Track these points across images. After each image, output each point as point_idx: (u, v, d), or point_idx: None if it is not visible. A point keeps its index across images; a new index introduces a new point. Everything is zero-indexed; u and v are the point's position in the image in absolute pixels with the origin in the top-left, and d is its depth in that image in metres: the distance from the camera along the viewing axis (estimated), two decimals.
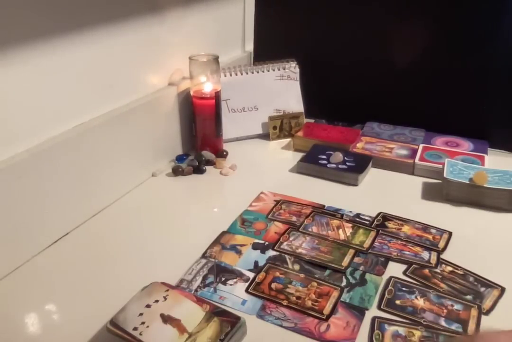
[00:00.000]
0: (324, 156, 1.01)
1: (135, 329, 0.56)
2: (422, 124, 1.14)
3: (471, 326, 0.61)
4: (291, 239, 0.79)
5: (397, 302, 0.65)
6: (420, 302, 0.65)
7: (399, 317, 0.63)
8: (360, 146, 1.07)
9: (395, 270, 0.72)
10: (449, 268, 0.71)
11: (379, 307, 0.64)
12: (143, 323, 0.56)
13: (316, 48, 1.21)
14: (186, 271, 0.71)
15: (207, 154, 1.04)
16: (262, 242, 0.78)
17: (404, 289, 0.67)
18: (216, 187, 0.99)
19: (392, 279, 0.69)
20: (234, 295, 0.67)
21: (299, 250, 0.76)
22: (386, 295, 0.66)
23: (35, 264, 0.74)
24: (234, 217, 0.85)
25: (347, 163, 0.99)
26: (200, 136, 1.07)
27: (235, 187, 0.98)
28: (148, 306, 0.58)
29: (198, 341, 0.55)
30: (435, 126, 1.12)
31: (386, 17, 1.11)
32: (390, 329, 0.60)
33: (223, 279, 0.70)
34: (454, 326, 0.61)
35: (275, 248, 0.77)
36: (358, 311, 0.64)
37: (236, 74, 1.14)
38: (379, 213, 0.85)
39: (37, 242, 0.76)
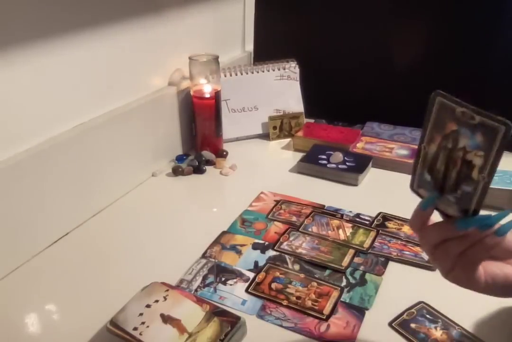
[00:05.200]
0: (324, 156, 1.01)
1: (135, 329, 0.56)
2: (422, 124, 1.14)
3: None
4: (291, 239, 0.79)
5: (412, 325, 0.62)
6: (437, 333, 0.60)
7: (405, 339, 0.60)
8: (360, 146, 1.07)
9: (395, 270, 0.72)
10: None
11: (390, 324, 0.62)
12: (143, 323, 0.56)
13: (316, 48, 1.21)
14: (186, 271, 0.71)
15: (207, 154, 1.04)
16: (262, 242, 0.78)
17: (428, 316, 0.63)
18: (216, 187, 0.99)
19: (421, 303, 0.65)
20: (234, 295, 0.67)
21: (299, 250, 0.76)
22: (404, 316, 0.63)
23: (35, 264, 0.74)
24: (234, 217, 0.85)
25: (347, 163, 0.99)
26: (200, 136, 1.07)
27: (235, 187, 0.98)
28: (148, 306, 0.58)
29: (198, 341, 0.55)
30: None
31: (386, 18, 1.11)
32: None
33: (223, 279, 0.70)
34: None
35: (275, 248, 0.77)
36: (358, 311, 0.64)
37: (236, 74, 1.13)
38: (379, 213, 0.85)
39: (37, 242, 0.76)
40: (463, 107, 0.41)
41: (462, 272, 0.46)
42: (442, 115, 0.44)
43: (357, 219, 0.84)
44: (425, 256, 0.74)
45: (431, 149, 0.46)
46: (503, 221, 0.44)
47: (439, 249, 0.46)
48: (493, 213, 0.44)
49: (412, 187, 0.50)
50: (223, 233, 0.81)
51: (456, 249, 0.45)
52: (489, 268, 0.46)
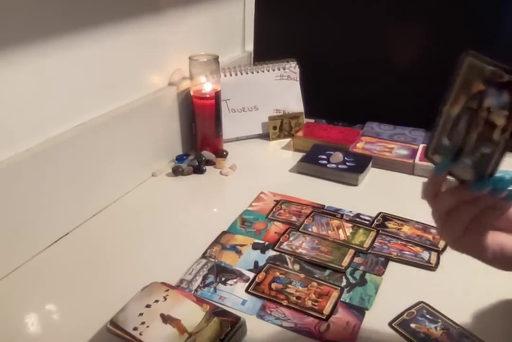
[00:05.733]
0: (324, 156, 1.01)
1: (135, 329, 0.56)
2: (422, 124, 1.14)
3: None
4: (291, 239, 0.79)
5: (412, 325, 0.61)
6: (437, 333, 0.60)
7: (405, 339, 0.60)
8: (360, 146, 1.07)
9: (395, 270, 0.72)
10: None
11: (390, 324, 0.62)
12: (143, 323, 0.56)
13: (316, 48, 1.21)
14: (186, 271, 0.71)
15: (207, 154, 1.04)
16: (262, 242, 0.78)
17: (428, 316, 0.63)
18: (216, 187, 0.99)
19: (421, 303, 0.65)
20: (234, 295, 0.67)
21: (299, 250, 0.76)
22: (404, 316, 0.63)
23: (35, 264, 0.74)
24: (234, 217, 0.85)
25: (347, 163, 0.99)
26: (200, 136, 1.07)
27: (235, 187, 0.98)
28: (148, 306, 0.58)
29: (198, 341, 0.55)
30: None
31: (386, 17, 1.11)
32: None
33: (223, 279, 0.70)
34: None
35: (275, 248, 0.77)
36: (358, 311, 0.64)
37: (236, 74, 1.13)
38: (379, 213, 0.85)
39: (37, 242, 0.76)
40: (493, 65, 0.41)
41: (471, 238, 0.46)
42: (470, 75, 0.44)
43: (357, 219, 0.84)
44: (425, 256, 0.74)
45: (453, 111, 0.46)
46: None
47: (451, 215, 0.46)
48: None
49: (426, 154, 0.50)
50: (223, 233, 0.81)
51: (468, 213, 0.45)
52: (499, 238, 0.47)
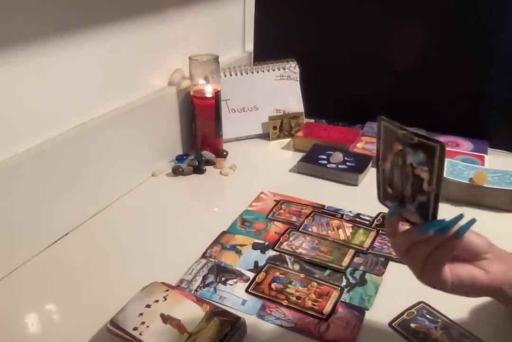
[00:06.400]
0: (324, 156, 1.01)
1: (135, 329, 0.56)
2: (422, 124, 1.14)
3: None
4: (291, 239, 0.79)
5: (412, 325, 0.61)
6: (437, 333, 0.60)
7: (405, 339, 0.60)
8: (360, 146, 1.07)
9: (395, 270, 0.72)
10: None
11: (390, 324, 0.62)
12: (143, 323, 0.56)
13: (316, 48, 1.20)
14: (186, 271, 0.71)
15: (207, 154, 1.04)
16: (262, 242, 0.78)
17: (428, 316, 0.63)
18: (216, 187, 0.99)
19: (421, 303, 0.65)
20: (234, 295, 0.67)
21: (299, 250, 0.76)
22: (404, 316, 0.63)
23: (35, 264, 0.74)
24: (234, 217, 0.85)
25: (347, 163, 0.99)
26: (200, 136, 1.07)
27: (235, 187, 0.98)
28: (148, 306, 0.58)
29: (198, 341, 0.55)
30: (435, 126, 1.12)
31: (386, 17, 1.11)
32: None
33: (223, 279, 0.70)
34: None
35: (275, 248, 0.77)
36: (358, 311, 0.64)
37: (236, 74, 1.13)
38: (379, 213, 0.85)
39: (37, 242, 0.76)
40: (403, 130, 0.47)
41: (430, 274, 0.50)
42: (389, 137, 0.50)
43: (357, 219, 0.84)
44: None
45: (386, 166, 0.52)
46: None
47: (408, 254, 0.51)
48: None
49: (379, 199, 0.56)
50: (223, 233, 0.81)
51: (421, 252, 0.49)
52: (456, 270, 0.50)
